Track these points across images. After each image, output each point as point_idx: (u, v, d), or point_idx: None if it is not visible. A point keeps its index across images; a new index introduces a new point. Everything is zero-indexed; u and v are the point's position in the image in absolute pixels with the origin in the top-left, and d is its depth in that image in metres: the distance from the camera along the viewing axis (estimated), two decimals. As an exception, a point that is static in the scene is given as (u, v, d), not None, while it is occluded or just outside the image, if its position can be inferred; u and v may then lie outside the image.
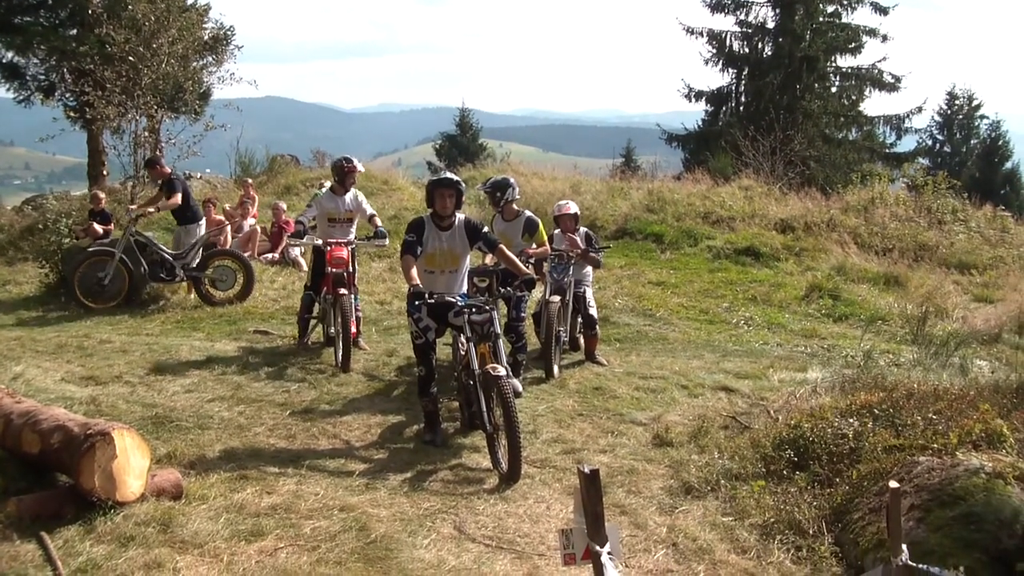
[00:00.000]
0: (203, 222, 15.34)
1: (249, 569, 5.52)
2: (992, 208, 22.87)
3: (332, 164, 11.84)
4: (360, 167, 11.77)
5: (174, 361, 10.64)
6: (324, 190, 11.63)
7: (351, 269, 11.17)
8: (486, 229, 8.72)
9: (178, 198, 14.46)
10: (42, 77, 26.71)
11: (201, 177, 24.24)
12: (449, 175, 8.69)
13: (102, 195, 18.08)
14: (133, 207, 15.05)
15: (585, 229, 11.33)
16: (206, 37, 25.51)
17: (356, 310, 11.14)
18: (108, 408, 8.63)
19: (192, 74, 24.30)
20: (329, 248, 10.99)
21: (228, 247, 16.13)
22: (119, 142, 23.10)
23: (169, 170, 15.27)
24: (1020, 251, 19.77)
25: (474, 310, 8.09)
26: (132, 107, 21.68)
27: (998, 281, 17.51)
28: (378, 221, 11.57)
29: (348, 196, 11.41)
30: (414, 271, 8.08)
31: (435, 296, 8.02)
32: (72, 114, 25.21)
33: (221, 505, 6.49)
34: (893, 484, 5.36)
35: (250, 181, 20.54)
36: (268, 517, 6.36)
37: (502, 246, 8.64)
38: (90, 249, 14.41)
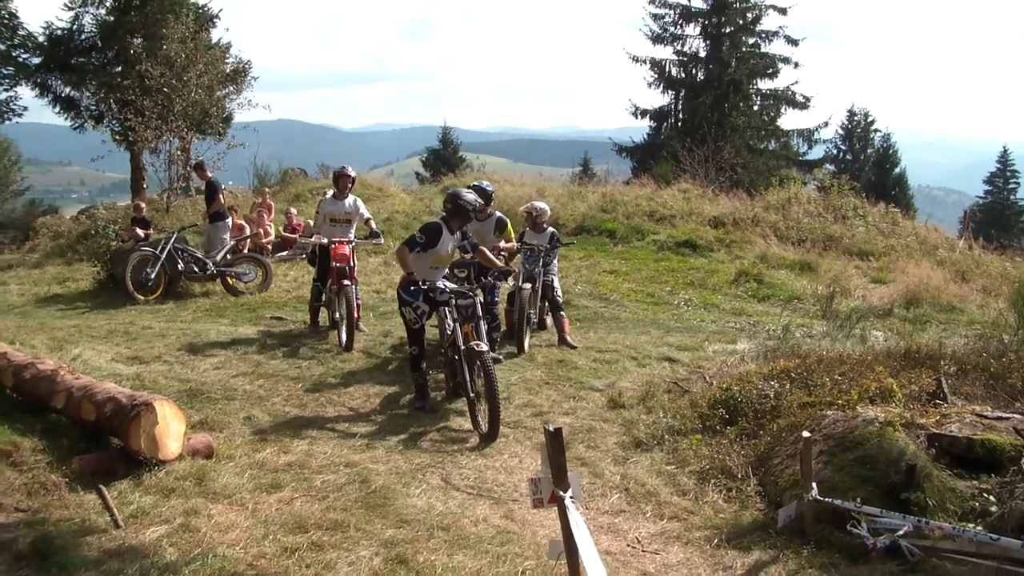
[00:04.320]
0: (228, 221, 15.64)
1: (270, 515, 5.53)
2: (885, 206, 22.97)
3: (332, 173, 11.89)
4: (352, 172, 11.62)
5: (204, 343, 10.58)
6: (328, 196, 11.58)
7: (352, 263, 11.15)
8: (469, 234, 8.80)
9: (220, 201, 15.18)
10: (93, 107, 26.91)
11: (225, 188, 24.11)
12: (472, 202, 8.54)
13: (143, 204, 18.04)
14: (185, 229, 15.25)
15: (552, 229, 11.27)
16: (228, 70, 25.69)
17: (357, 298, 11.10)
18: (150, 383, 8.59)
19: (216, 101, 24.45)
20: (333, 246, 10.97)
21: (247, 250, 16.13)
22: (156, 160, 23.62)
23: (211, 174, 15.84)
24: (907, 241, 19.91)
25: (460, 295, 8.19)
26: (166, 130, 21.86)
27: (890, 265, 17.64)
28: (373, 224, 11.60)
29: (348, 201, 11.35)
30: (411, 262, 8.20)
31: (427, 283, 8.16)
32: (117, 137, 25.57)
33: (245, 463, 6.51)
34: (805, 434, 5.45)
35: (267, 190, 20.52)
36: (285, 472, 6.38)
37: (482, 248, 8.84)
38: (137, 250, 14.39)
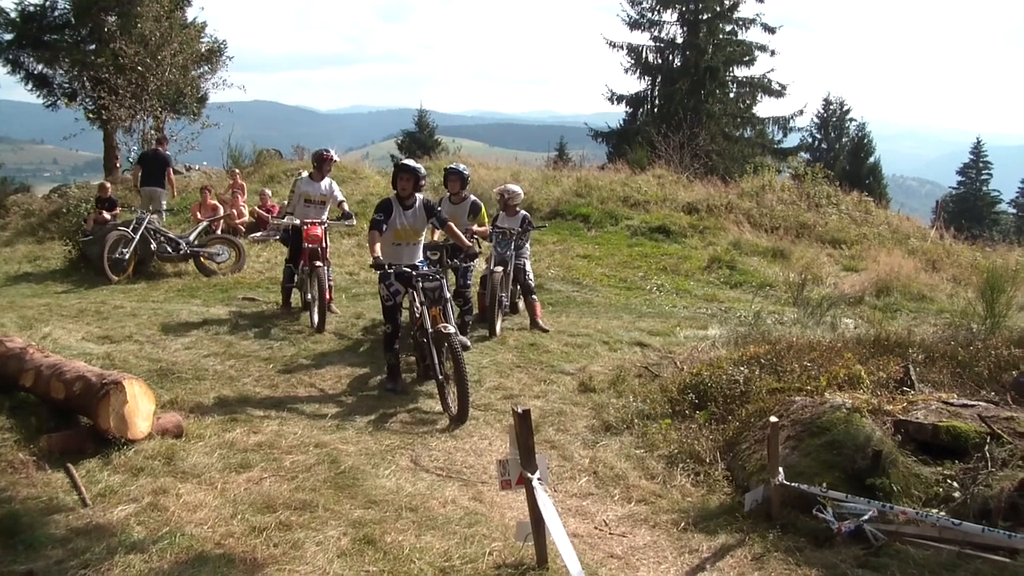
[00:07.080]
0: (158, 190, 16.02)
1: (239, 495, 5.52)
2: (858, 194, 23.07)
3: (313, 153, 11.79)
4: (336, 157, 11.75)
5: (175, 323, 10.50)
6: (304, 176, 11.55)
7: (324, 245, 11.12)
8: (440, 209, 8.81)
9: (138, 172, 16.17)
10: (66, 85, 26.48)
11: (199, 168, 23.94)
12: (409, 162, 8.81)
13: (108, 185, 17.86)
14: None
15: (524, 212, 11.26)
16: (203, 49, 25.49)
17: (329, 279, 11.07)
18: (121, 362, 8.53)
19: (191, 81, 24.34)
20: (306, 227, 10.93)
21: (220, 231, 16.03)
22: (129, 139, 23.58)
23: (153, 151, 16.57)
24: (879, 230, 20.04)
25: (427, 279, 8.15)
26: (140, 109, 21.78)
27: (862, 254, 17.77)
28: (346, 206, 11.53)
29: (324, 183, 11.33)
30: (378, 246, 8.15)
31: (393, 267, 8.12)
32: (91, 116, 25.27)
33: (215, 442, 6.48)
34: (773, 419, 5.47)
35: (237, 171, 20.35)
36: (255, 452, 6.36)
37: (451, 223, 8.78)
38: (114, 229, 14.25)
